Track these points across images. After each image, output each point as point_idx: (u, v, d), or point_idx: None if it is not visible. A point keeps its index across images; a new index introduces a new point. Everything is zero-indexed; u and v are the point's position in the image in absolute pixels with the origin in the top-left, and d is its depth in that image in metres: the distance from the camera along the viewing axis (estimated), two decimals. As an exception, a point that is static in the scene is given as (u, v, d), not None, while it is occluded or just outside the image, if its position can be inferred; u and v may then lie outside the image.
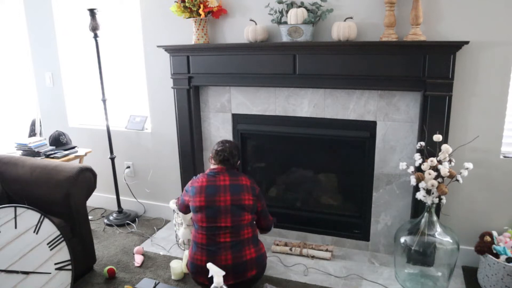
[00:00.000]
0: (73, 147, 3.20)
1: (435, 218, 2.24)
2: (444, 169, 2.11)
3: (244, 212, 2.13)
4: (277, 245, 2.76)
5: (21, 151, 2.99)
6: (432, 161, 2.15)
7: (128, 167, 3.36)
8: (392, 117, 2.46)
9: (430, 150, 2.23)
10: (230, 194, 2.12)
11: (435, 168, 2.15)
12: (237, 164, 2.30)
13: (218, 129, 2.92)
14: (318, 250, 2.68)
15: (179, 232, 2.74)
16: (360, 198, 2.71)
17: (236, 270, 2.06)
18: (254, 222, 2.26)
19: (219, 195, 2.11)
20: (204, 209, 2.11)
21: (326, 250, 2.67)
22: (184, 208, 2.36)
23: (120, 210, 3.31)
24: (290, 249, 2.69)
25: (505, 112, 2.26)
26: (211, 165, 2.34)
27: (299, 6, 2.43)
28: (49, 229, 2.07)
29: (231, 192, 2.13)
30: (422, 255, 2.24)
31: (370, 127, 2.53)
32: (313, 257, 2.64)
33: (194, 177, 2.30)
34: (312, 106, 2.63)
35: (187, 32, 2.78)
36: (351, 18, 2.35)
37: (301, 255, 2.66)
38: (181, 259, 2.63)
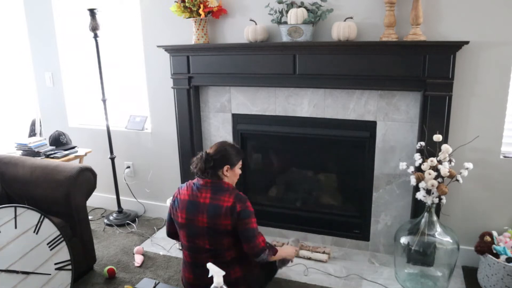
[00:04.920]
0: (73, 147, 3.20)
1: (435, 218, 2.24)
2: (444, 169, 2.11)
3: (223, 237, 1.86)
4: (275, 245, 2.75)
5: (21, 151, 2.99)
6: (432, 161, 2.15)
7: (128, 167, 3.36)
8: (392, 117, 2.46)
9: (430, 150, 2.23)
10: (207, 216, 1.85)
11: (435, 168, 2.15)
12: (221, 171, 1.94)
13: (218, 129, 2.92)
14: (315, 252, 2.66)
15: None
16: (360, 198, 2.71)
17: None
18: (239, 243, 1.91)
19: (197, 214, 1.87)
20: (184, 227, 1.93)
21: (323, 252, 2.66)
22: (168, 226, 2.13)
23: (120, 210, 3.31)
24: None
25: (505, 112, 2.26)
26: None
27: (299, 6, 2.43)
28: (49, 229, 2.07)
29: (208, 213, 1.85)
30: (422, 255, 2.24)
31: (370, 127, 2.53)
32: (309, 258, 2.63)
33: (181, 185, 2.05)
34: (312, 106, 2.63)
35: (187, 32, 2.78)
36: (351, 18, 2.35)
37: (298, 256, 2.65)
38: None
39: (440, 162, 2.16)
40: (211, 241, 1.87)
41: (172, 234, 2.14)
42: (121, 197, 3.34)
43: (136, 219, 3.28)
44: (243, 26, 2.57)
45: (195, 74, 2.74)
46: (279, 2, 2.46)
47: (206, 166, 1.90)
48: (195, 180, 1.98)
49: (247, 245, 1.87)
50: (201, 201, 1.88)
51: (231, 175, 1.98)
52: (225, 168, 1.93)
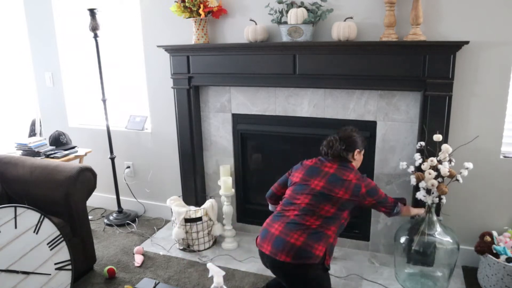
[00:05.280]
0: (73, 147, 3.20)
1: (435, 218, 2.24)
2: (444, 169, 2.11)
3: (327, 203, 1.90)
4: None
5: (21, 151, 2.99)
6: (432, 161, 2.15)
7: (128, 167, 3.36)
8: (392, 117, 2.46)
9: (430, 150, 2.23)
10: (325, 181, 1.94)
11: (435, 168, 2.15)
12: (350, 154, 2.05)
13: (218, 129, 2.93)
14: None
15: (173, 231, 2.75)
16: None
17: (275, 243, 1.85)
18: (333, 220, 1.90)
19: (316, 178, 1.98)
20: (295, 185, 2.02)
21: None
22: (275, 187, 2.23)
23: (120, 210, 3.31)
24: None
25: (505, 112, 2.26)
26: None
27: (299, 6, 2.43)
28: (49, 229, 2.07)
29: (328, 180, 1.95)
30: (422, 255, 2.24)
31: (370, 127, 2.53)
32: None
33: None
34: (312, 106, 2.63)
35: (187, 32, 2.78)
36: (351, 18, 2.35)
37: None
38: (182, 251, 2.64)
39: (440, 162, 2.16)
40: (312, 201, 1.92)
41: (273, 195, 2.26)
42: (121, 197, 3.34)
43: (136, 219, 3.28)
44: (243, 26, 2.57)
45: (195, 74, 2.74)
46: (279, 2, 2.46)
47: (341, 148, 2.03)
48: (322, 158, 2.11)
49: (384, 207, 2.06)
50: (325, 169, 2.01)
51: (358, 158, 2.11)
52: (356, 151, 2.08)
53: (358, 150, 2.08)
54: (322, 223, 1.88)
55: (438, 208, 2.30)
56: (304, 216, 1.89)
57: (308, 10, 2.39)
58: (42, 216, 2.05)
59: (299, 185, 2.01)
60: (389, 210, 2.08)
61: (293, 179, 2.07)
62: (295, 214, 1.91)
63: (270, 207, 2.33)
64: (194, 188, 2.99)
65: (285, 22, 2.45)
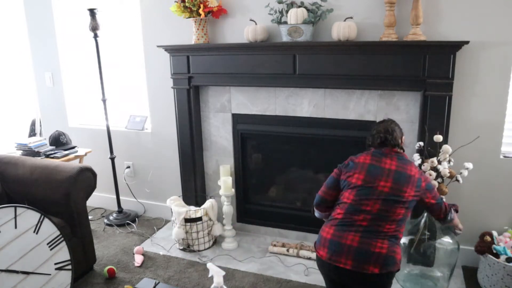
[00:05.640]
0: (73, 147, 3.20)
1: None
2: (444, 169, 2.11)
3: (398, 207, 1.78)
4: (274, 245, 2.75)
5: (21, 151, 2.99)
6: (433, 161, 2.15)
7: (128, 167, 3.36)
8: (392, 117, 2.46)
9: (430, 150, 2.23)
10: (392, 181, 1.80)
11: (435, 169, 2.15)
12: (400, 141, 1.94)
13: (218, 129, 2.93)
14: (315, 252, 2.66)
15: (173, 231, 2.75)
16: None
17: (358, 256, 1.73)
18: (403, 221, 1.82)
19: (380, 178, 1.81)
20: (357, 188, 1.84)
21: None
22: (326, 192, 2.00)
23: (120, 210, 3.31)
24: (287, 250, 2.68)
25: (505, 112, 2.26)
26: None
27: (299, 6, 2.43)
28: (49, 229, 2.07)
29: (394, 178, 1.80)
30: (422, 255, 2.24)
31: (370, 127, 2.51)
32: (309, 258, 2.63)
33: (354, 156, 1.98)
34: (312, 106, 2.63)
35: (187, 32, 2.78)
36: (351, 18, 2.35)
37: (298, 256, 2.66)
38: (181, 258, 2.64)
39: (439, 162, 2.16)
40: (383, 206, 1.78)
41: (324, 201, 2.02)
42: (121, 197, 3.33)
43: (136, 219, 3.28)
44: (243, 26, 2.57)
45: (195, 74, 2.74)
46: (279, 2, 2.46)
47: (399, 135, 1.94)
48: (372, 150, 1.95)
49: (439, 212, 1.96)
50: (386, 167, 1.85)
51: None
52: (403, 138, 1.99)
53: (404, 137, 2.00)
54: (397, 227, 1.79)
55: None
56: (379, 222, 1.76)
57: (308, 10, 2.39)
58: (42, 216, 2.05)
59: (363, 189, 1.83)
60: (443, 216, 1.96)
61: (353, 180, 1.87)
62: (368, 221, 1.77)
63: (317, 215, 2.11)
64: (194, 188, 3.00)
65: (285, 22, 2.45)
